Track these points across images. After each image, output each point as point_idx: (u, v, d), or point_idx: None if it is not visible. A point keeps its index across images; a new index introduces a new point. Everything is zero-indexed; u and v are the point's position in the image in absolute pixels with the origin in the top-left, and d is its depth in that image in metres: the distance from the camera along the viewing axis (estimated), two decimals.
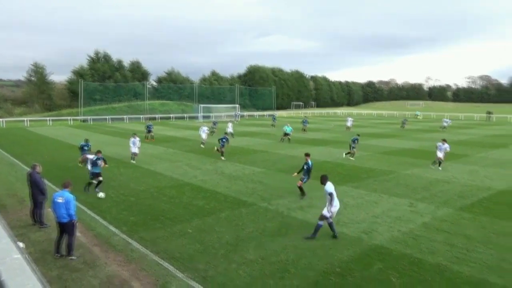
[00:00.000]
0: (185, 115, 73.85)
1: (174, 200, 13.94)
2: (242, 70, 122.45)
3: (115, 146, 29.75)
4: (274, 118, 54.92)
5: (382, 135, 40.11)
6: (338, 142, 33.11)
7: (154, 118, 66.78)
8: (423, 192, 15.33)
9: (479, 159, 24.12)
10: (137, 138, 22.81)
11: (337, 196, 10.22)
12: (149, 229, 10.76)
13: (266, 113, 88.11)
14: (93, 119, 63.19)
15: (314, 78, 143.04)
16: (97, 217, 11.81)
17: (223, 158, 22.92)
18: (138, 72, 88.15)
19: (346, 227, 11.03)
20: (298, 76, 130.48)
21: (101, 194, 14.20)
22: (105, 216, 11.89)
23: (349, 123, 46.07)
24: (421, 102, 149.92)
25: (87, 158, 16.62)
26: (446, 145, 20.96)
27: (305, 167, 14.37)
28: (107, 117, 64.71)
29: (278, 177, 18.23)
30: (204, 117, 70.04)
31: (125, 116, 66.24)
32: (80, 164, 20.04)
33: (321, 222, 10.02)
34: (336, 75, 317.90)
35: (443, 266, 8.53)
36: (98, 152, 15.34)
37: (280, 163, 22.08)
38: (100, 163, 14.95)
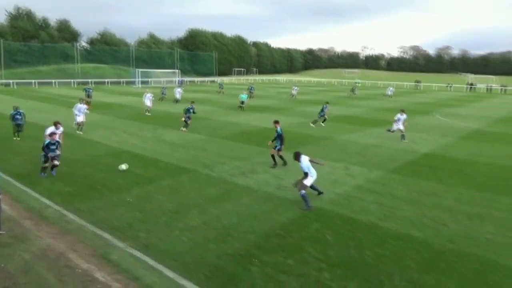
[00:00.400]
0: (122, 80, 70.14)
1: (111, 169, 13.41)
2: (181, 33, 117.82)
3: (44, 113, 27.66)
4: (221, 85, 53.87)
5: (321, 102, 41.38)
6: (281, 109, 33.67)
7: (87, 83, 62.55)
8: (358, 156, 16.25)
9: (407, 125, 25.90)
10: (84, 106, 20.91)
11: (280, 162, 10.46)
12: (85, 200, 10.32)
13: (207, 79, 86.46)
14: (17, 83, 57.79)
15: (256, 44, 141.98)
16: (27, 189, 11.06)
17: (184, 129, 21.09)
18: (66, 31, 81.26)
19: (286, 191, 11.43)
20: (239, 42, 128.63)
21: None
22: (36, 188, 11.16)
23: (294, 91, 46.82)
24: (357, 70, 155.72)
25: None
26: (405, 116, 20.34)
27: (275, 134, 14.40)
28: (33, 81, 59.43)
29: (220, 144, 18.23)
30: (142, 82, 67.04)
31: (53, 80, 61.31)
32: None
33: (303, 191, 10.14)
34: (278, 42, 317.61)
35: (373, 223, 9.24)
36: (57, 123, 13.65)
37: (222, 130, 22.04)
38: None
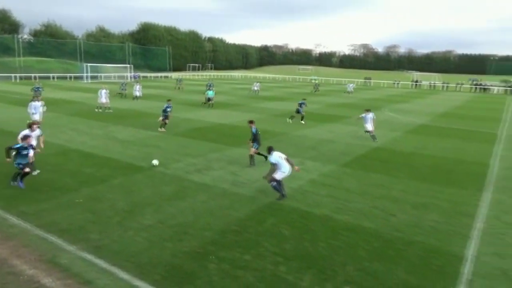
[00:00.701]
0: (69, 74, 66.64)
1: (59, 168, 12.75)
2: (133, 27, 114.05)
3: None
4: (180, 81, 52.44)
5: (276, 98, 41.90)
6: (236, 105, 33.64)
7: (30, 78, 58.83)
8: (312, 151, 16.64)
9: (358, 120, 26.90)
10: (39, 103, 19.49)
11: (236, 158, 10.47)
12: (31, 202, 9.72)
13: (161, 74, 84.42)
14: None
15: (211, 40, 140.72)
16: None
17: (162, 129, 19.80)
18: (6, 22, 75.74)
19: (242, 187, 11.47)
20: (194, 37, 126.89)
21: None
22: None
23: (256, 87, 46.95)
24: (311, 67, 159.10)
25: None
26: (371, 114, 19.62)
27: (252, 135, 14.30)
28: None
29: (174, 141, 17.90)
30: (91, 77, 64.19)
31: None
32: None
33: (273, 182, 10.40)
34: (233, 38, 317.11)
35: (327, 216, 9.53)
36: (32, 124, 12.13)
37: (176, 126, 21.64)
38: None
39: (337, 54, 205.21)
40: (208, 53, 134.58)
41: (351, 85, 54.02)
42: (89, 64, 65.66)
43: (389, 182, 12.49)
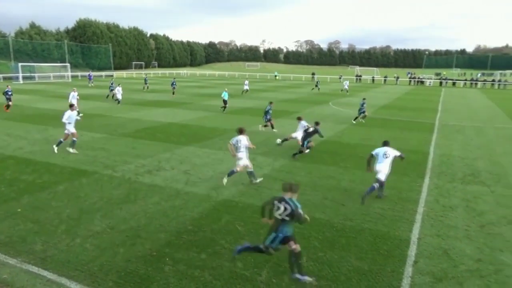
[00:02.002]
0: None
1: None
2: (70, 24, 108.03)
3: None
4: (146, 81, 49.64)
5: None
6: (183, 103, 33.10)
7: None
8: (263, 147, 16.80)
9: (306, 115, 27.56)
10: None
11: (187, 157, 10.30)
12: None
13: (103, 73, 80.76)
14: None
15: (154, 37, 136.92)
16: None
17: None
18: None
19: (195, 186, 11.33)
20: (137, 34, 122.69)
21: None
22: None
23: (246, 87, 44.99)
24: (258, 64, 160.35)
25: None
26: (303, 123, 16.28)
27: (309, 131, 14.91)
28: None
29: (122, 142, 17.25)
30: (26, 78, 59.98)
31: None
32: None
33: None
34: (178, 34, 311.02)
35: None
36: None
37: (123, 127, 20.87)
38: None
39: (283, 50, 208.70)
40: (153, 51, 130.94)
41: (347, 82, 52.20)
42: (22, 64, 61.24)
43: (338, 173, 12.97)
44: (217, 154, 15.35)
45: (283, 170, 13.24)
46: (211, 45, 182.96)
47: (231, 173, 11.50)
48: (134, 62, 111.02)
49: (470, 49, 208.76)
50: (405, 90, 58.82)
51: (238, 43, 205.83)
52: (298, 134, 16.11)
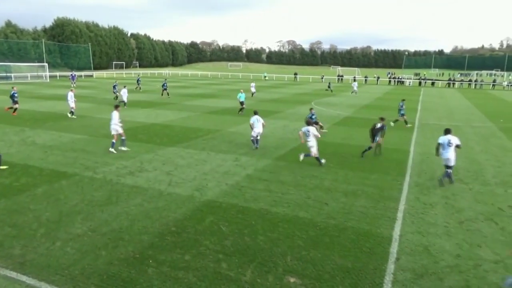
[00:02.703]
0: None
1: None
2: (47, 23, 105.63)
3: None
4: (139, 81, 48.28)
5: (207, 96, 41.61)
6: (166, 104, 32.78)
7: None
8: (246, 147, 16.80)
9: (289, 115, 27.76)
10: None
11: (170, 158, 10.18)
12: None
13: (83, 73, 79.23)
14: None
15: (135, 36, 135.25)
16: None
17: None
18: None
19: (178, 187, 11.24)
20: (117, 33, 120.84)
21: None
22: None
23: (253, 89, 41.91)
24: (240, 64, 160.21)
25: None
26: (256, 116, 16.39)
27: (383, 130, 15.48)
28: None
29: (103, 143, 16.95)
30: (1, 77, 58.32)
31: None
32: None
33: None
34: (159, 34, 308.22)
35: (264, 210, 9.71)
36: None
37: (104, 128, 20.47)
38: None
39: (265, 50, 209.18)
40: (133, 50, 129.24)
41: (356, 84, 50.69)
42: None
43: (321, 173, 13.08)
44: (200, 154, 15.26)
45: (267, 170, 13.27)
46: (193, 45, 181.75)
47: (307, 155, 14.09)
48: (114, 62, 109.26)
49: (448, 50, 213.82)
50: (386, 90, 59.79)
51: (221, 43, 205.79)
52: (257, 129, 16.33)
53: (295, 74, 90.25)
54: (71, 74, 56.08)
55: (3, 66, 61.12)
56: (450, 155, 11.74)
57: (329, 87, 52.80)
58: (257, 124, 16.22)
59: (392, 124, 23.31)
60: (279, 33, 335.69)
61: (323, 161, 14.09)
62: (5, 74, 60.17)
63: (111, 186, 11.25)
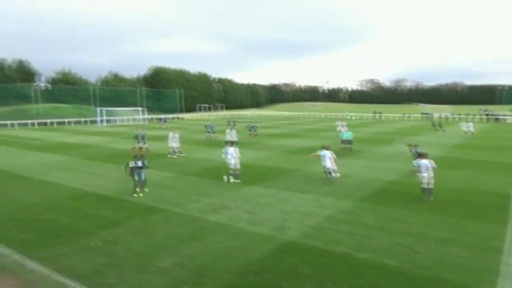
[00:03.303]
0: (84, 119, 68.47)
1: (76, 212, 12.81)
2: (144, 71, 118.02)
3: None
4: (165, 121, 51.51)
5: (287, 135, 42.14)
6: (248, 144, 33.85)
7: (46, 124, 60.62)
8: (326, 187, 16.45)
9: (371, 154, 26.76)
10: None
11: (252, 196, 10.36)
12: (48, 247, 9.71)
13: (173, 116, 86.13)
14: None
15: (220, 80, 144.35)
16: None
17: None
18: (25, 72, 79.17)
19: (259, 226, 11.31)
20: (204, 78, 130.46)
21: None
22: None
23: (339, 127, 41.79)
24: (319, 103, 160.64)
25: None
26: (329, 152, 17.45)
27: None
28: None
29: (189, 180, 17.94)
30: (105, 121, 65.80)
31: (8, 122, 58.84)
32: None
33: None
34: (241, 77, 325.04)
35: (347, 254, 9.26)
36: None
37: (191, 166, 21.77)
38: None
39: (345, 89, 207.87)
40: (218, 94, 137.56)
41: (467, 124, 44.84)
42: (103, 108, 67.52)
43: (409, 216, 12.19)
44: (281, 193, 15.30)
45: (349, 212, 12.76)
46: (273, 86, 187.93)
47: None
48: (200, 105, 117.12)
49: None
50: (480, 128, 54.87)
51: (300, 83, 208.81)
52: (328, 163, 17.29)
53: (378, 112, 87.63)
54: (163, 118, 61.61)
55: (107, 111, 69.08)
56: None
57: (440, 126, 48.51)
58: (326, 159, 16.99)
59: None
60: (359, 72, 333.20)
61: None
62: (108, 118, 67.80)
63: (195, 222, 11.73)
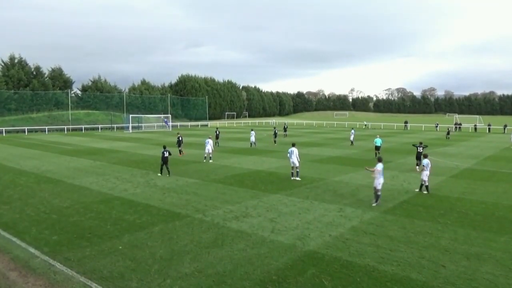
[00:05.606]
0: (113, 125, 70.47)
1: (102, 215, 13.14)
2: (173, 79, 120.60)
3: (32, 160, 27.41)
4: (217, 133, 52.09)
5: (312, 144, 41.81)
6: (270, 152, 33.81)
7: (79, 129, 62.76)
8: (351, 197, 16.18)
9: (398, 165, 26.16)
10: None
11: (274, 205, 10.32)
12: (74, 249, 9.99)
13: (199, 123, 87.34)
14: (7, 130, 57.64)
15: (246, 89, 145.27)
16: (14, 239, 10.72)
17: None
18: (59, 79, 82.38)
19: (281, 235, 11.23)
20: (230, 86, 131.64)
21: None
22: (24, 237, 10.83)
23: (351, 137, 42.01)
24: (346, 112, 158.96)
25: None
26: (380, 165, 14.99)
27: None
28: (24, 128, 59.53)
29: (212, 187, 18.08)
30: (134, 127, 67.45)
31: (45, 127, 61.38)
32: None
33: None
34: (268, 86, 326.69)
35: (370, 266, 9.04)
36: None
37: (214, 173, 21.95)
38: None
39: (372, 98, 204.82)
40: (244, 101, 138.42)
41: None
42: (132, 115, 69.32)
43: (436, 230, 11.79)
44: (303, 203, 15.16)
45: (373, 223, 12.48)
46: (299, 95, 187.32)
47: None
48: (226, 112, 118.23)
49: None
50: None
51: (326, 92, 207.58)
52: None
53: (406, 122, 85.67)
54: (165, 120, 64.21)
55: (136, 118, 70.83)
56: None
57: (448, 134, 51.49)
58: (382, 173, 14.73)
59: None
60: (388, 80, 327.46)
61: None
62: (137, 124, 69.50)
63: (217, 229, 11.78)
